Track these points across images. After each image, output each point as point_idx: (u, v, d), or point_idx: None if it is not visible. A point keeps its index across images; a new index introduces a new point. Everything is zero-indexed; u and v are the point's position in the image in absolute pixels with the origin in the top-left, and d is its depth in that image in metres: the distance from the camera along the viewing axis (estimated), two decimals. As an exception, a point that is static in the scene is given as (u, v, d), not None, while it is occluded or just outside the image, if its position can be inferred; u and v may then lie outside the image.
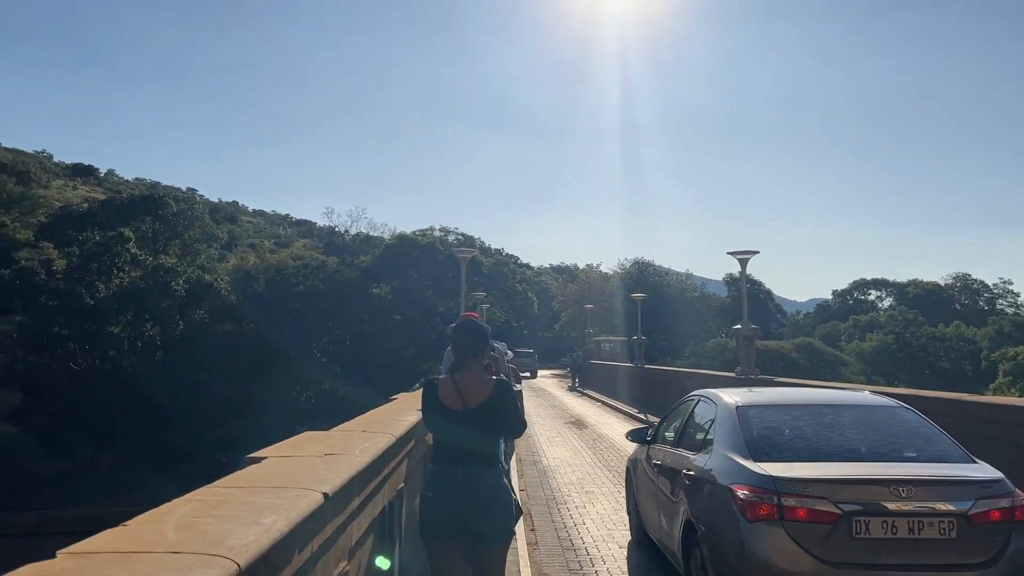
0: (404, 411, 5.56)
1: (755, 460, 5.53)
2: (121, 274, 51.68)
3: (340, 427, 4.36)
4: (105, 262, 51.60)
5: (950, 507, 5.09)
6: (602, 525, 9.74)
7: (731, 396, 6.70)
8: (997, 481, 5.32)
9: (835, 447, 5.75)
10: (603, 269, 76.47)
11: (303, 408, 51.40)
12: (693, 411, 7.22)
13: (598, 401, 32.39)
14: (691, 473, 6.27)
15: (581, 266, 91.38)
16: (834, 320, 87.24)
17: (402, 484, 4.71)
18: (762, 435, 5.88)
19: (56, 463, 40.39)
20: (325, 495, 2.45)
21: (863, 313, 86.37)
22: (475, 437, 4.34)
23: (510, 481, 4.88)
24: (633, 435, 8.74)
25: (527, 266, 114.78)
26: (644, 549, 8.31)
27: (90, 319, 47.34)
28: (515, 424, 4.61)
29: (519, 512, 4.66)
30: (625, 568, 7.88)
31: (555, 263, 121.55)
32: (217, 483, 2.52)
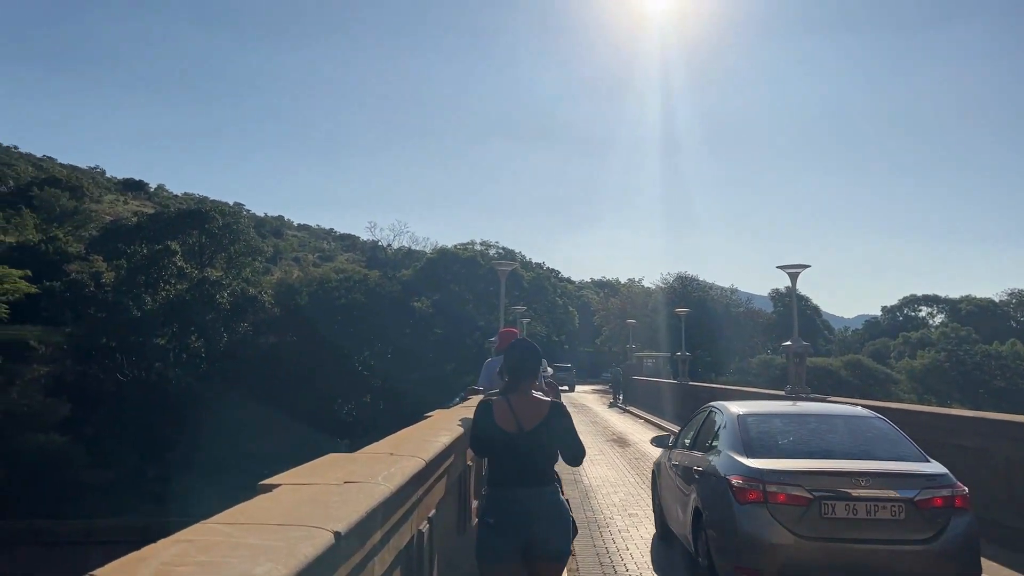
0: (438, 430, 5.24)
1: (749, 457, 6.87)
2: (167, 287, 52.51)
3: (366, 449, 4.05)
4: (152, 275, 52.50)
5: (899, 494, 6.34)
6: (647, 550, 9.31)
7: (736, 407, 8.10)
8: (941, 475, 6.59)
9: (815, 447, 7.05)
10: (645, 284, 75.68)
11: (344, 420, 51.57)
12: (706, 419, 8.56)
13: (640, 418, 31.77)
14: (700, 469, 7.60)
15: (623, 280, 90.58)
16: (883, 337, 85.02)
17: (433, 511, 4.39)
18: (757, 438, 7.20)
19: (103, 472, 40.91)
20: (337, 534, 2.14)
21: (914, 330, 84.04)
22: (532, 458, 4.40)
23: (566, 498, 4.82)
24: (657, 441, 10.27)
25: (568, 280, 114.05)
26: (665, 541, 9.53)
27: (137, 331, 48.14)
28: (574, 453, 4.58)
29: (575, 531, 4.69)
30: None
31: (596, 277, 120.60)
32: (216, 518, 2.23)
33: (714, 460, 7.34)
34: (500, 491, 4.43)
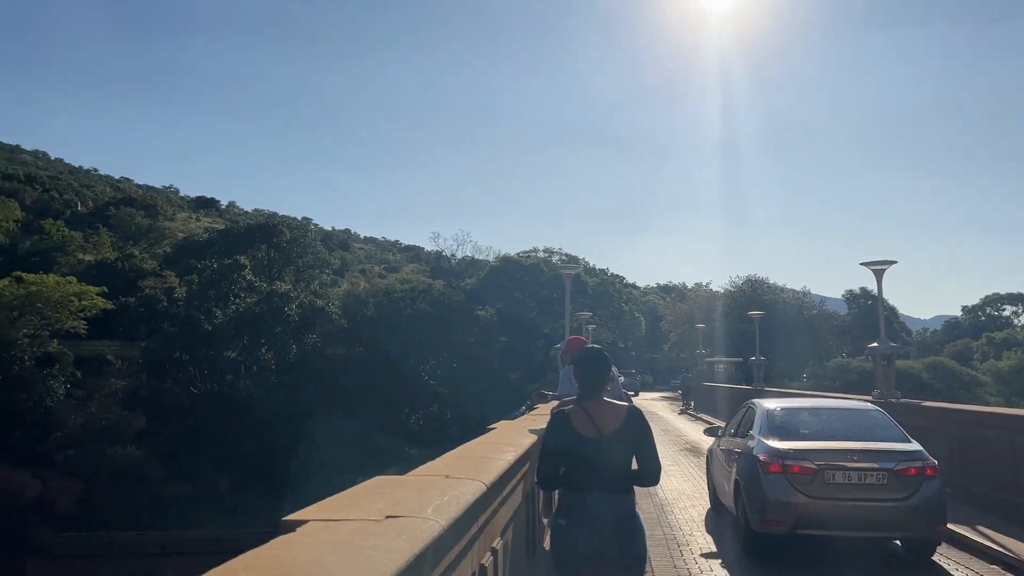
0: (501, 447, 4.68)
1: (773, 439, 9.20)
2: (237, 300, 53.24)
3: (419, 470, 3.52)
4: (222, 289, 53.33)
5: (882, 465, 8.56)
6: (733, 573, 8.57)
7: (768, 403, 10.56)
8: (916, 451, 8.81)
9: (823, 432, 9.37)
10: (713, 287, 73.92)
11: (412, 430, 51.47)
12: (746, 413, 10.86)
13: (713, 426, 30.67)
14: (739, 451, 9.94)
15: (689, 285, 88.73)
16: (965, 338, 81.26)
17: (499, 539, 3.84)
18: (780, 425, 9.58)
19: (178, 485, 41.56)
20: (364, 599, 1.62)
21: (997, 330, 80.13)
22: (610, 464, 4.35)
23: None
24: (709, 432, 13.23)
25: (633, 286, 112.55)
26: (715, 511, 11.96)
27: (208, 344, 48.90)
28: (652, 467, 4.48)
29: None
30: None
31: (662, 282, 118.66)
32: (213, 573, 1.73)
33: (748, 444, 9.59)
34: (575, 495, 4.36)
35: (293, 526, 2.25)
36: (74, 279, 48.67)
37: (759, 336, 36.07)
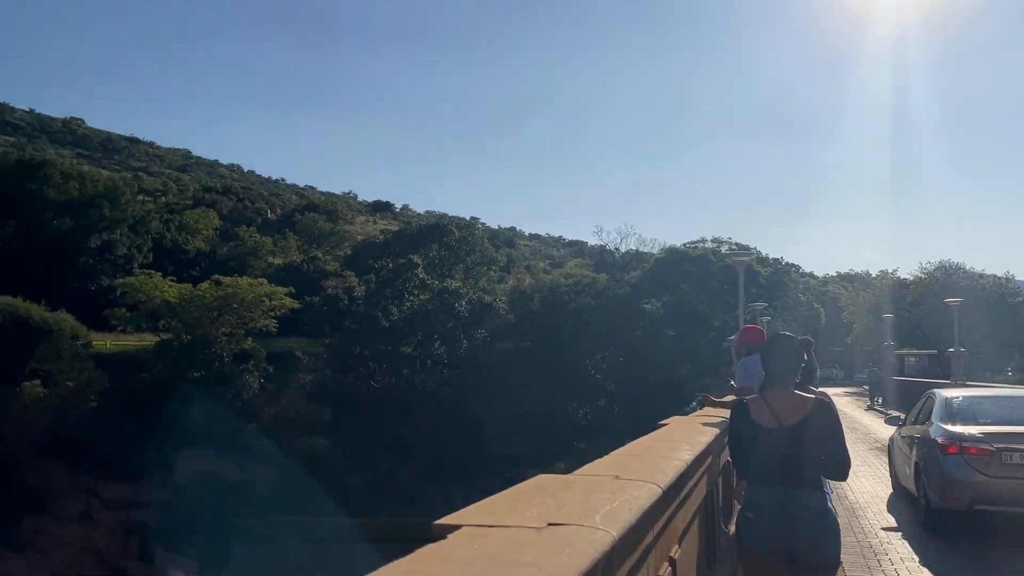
0: (675, 444, 4.26)
1: (951, 424, 9.95)
2: (411, 298, 55.38)
3: (585, 469, 3.18)
4: (397, 287, 55.64)
5: None
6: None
7: (947, 392, 11.57)
8: None
9: (1001, 418, 10.03)
10: (900, 275, 68.77)
11: (580, 424, 51.41)
12: (925, 402, 11.50)
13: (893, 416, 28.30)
14: (918, 436, 10.68)
15: (873, 273, 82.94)
16: None
17: (676, 546, 3.45)
18: (957, 412, 10.34)
19: (361, 474, 43.73)
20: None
21: None
22: (793, 457, 4.13)
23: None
24: (890, 421, 15.32)
25: (810, 275, 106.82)
26: (897, 495, 12.49)
27: (385, 340, 51.16)
28: (838, 459, 4.20)
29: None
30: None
31: (842, 271, 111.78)
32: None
33: (928, 429, 10.30)
34: (760, 489, 4.23)
35: (444, 532, 1.98)
36: (265, 281, 52.35)
37: (957, 326, 32.99)
